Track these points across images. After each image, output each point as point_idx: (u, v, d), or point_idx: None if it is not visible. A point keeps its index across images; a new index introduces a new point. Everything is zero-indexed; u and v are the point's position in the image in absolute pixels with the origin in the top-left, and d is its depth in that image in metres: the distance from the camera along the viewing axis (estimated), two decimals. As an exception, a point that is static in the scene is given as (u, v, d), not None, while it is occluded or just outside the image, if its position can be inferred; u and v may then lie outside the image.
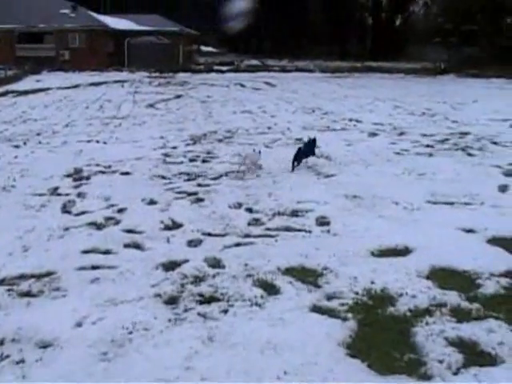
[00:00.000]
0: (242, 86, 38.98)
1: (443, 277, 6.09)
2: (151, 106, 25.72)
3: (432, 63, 63.14)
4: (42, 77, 47.34)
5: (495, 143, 14.57)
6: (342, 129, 17.43)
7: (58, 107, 25.40)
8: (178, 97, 30.20)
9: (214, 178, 10.83)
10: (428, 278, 6.06)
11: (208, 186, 10.25)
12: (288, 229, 7.71)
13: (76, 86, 37.94)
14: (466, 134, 16.17)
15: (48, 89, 35.70)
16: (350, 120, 19.48)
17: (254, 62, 69.65)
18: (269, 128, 17.62)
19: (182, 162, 12.50)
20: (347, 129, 17.28)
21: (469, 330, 4.97)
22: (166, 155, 13.33)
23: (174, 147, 14.46)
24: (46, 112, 23.57)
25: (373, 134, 16.13)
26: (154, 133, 17.02)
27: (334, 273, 6.15)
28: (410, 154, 13.23)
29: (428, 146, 14.23)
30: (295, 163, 11.55)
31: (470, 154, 13.09)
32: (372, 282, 5.89)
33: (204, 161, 12.64)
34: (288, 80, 44.70)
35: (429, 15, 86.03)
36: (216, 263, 6.50)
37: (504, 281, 5.96)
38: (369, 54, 77.15)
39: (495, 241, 7.21)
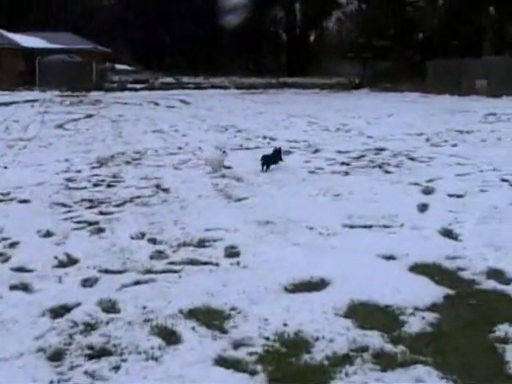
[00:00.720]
0: (156, 104, 38.28)
1: (364, 314, 5.48)
2: (60, 126, 24.75)
3: (346, 78, 63.70)
4: None
5: (412, 159, 14.20)
6: (255, 147, 16.86)
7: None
8: (89, 116, 29.32)
9: (118, 205, 10.04)
10: (347, 316, 5.42)
11: (111, 213, 9.46)
12: (194, 262, 6.99)
13: (-18, 107, 36.57)
14: (382, 149, 15.79)
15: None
16: (264, 137, 18.95)
17: (169, 79, 68.94)
18: (179, 148, 16.91)
19: (85, 188, 11.67)
20: (261, 147, 16.71)
21: (394, 381, 4.35)
22: (69, 180, 12.47)
23: (79, 171, 13.61)
24: None
25: (287, 152, 15.56)
26: (60, 155, 16.13)
27: (243, 314, 5.46)
28: (326, 172, 12.72)
29: (343, 163, 13.76)
30: (264, 167, 12.80)
31: (387, 172, 12.64)
32: (285, 324, 5.23)
33: (109, 185, 11.84)
34: (203, 97, 44.25)
35: (342, 31, 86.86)
36: (111, 306, 5.74)
37: (430, 316, 5.39)
38: (284, 70, 77.35)
39: (418, 268, 6.66)
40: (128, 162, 14.62)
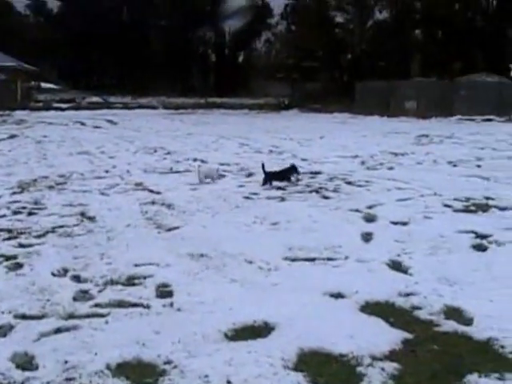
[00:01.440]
0: (82, 124, 37.28)
1: (316, 365, 4.88)
2: (-20, 148, 23.61)
3: (275, 99, 63.58)
4: None
5: (349, 183, 13.74)
6: (185, 170, 16.19)
7: None
8: (13, 137, 28.16)
9: (39, 236, 9.24)
10: (297, 368, 4.81)
11: (31, 246, 8.65)
12: (122, 304, 6.27)
13: None
14: (318, 173, 15.31)
15: None
16: (195, 160, 18.27)
17: (96, 99, 67.65)
18: (106, 171, 16.12)
19: (4, 216, 10.81)
20: (191, 170, 16.02)
21: None
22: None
23: (-1, 197, 12.74)
24: None
25: (220, 176, 14.95)
26: (-25, 180, 15.19)
27: (179, 369, 4.78)
28: (261, 198, 12.12)
29: (279, 188, 13.18)
30: (267, 182, 13.28)
31: (325, 197, 12.12)
32: (228, 382, 4.58)
33: (30, 213, 10.99)
34: (130, 117, 43.37)
35: (272, 51, 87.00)
36: (27, 362, 4.99)
37: (390, 367, 4.81)
38: (212, 90, 76.82)
39: (369, 308, 6.10)
40: (51, 187, 13.77)
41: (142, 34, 79.54)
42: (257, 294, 6.44)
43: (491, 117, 39.76)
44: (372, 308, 6.09)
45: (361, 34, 73.68)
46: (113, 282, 6.95)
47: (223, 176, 14.23)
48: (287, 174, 13.76)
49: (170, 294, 6.53)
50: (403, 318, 5.85)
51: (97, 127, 34.71)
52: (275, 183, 13.43)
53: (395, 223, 9.69)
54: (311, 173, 15.32)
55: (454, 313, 5.97)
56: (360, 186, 13.35)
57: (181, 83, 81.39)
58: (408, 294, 6.44)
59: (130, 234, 9.19)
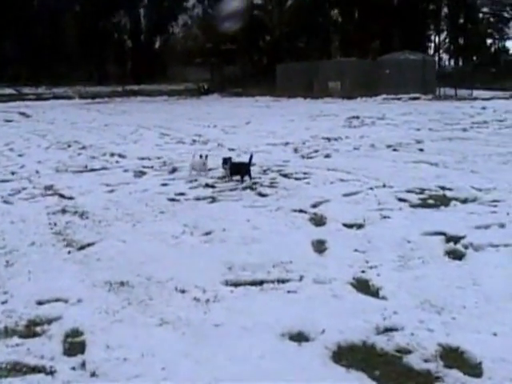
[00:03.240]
0: (-7, 117, 34.89)
1: None
2: None
3: (195, 84, 62.12)
4: None
5: (286, 176, 12.32)
6: (102, 168, 14.52)
7: None
8: None
9: None
10: None
11: None
12: (17, 368, 4.71)
13: None
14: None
15: None
16: (112, 155, 16.61)
17: (9, 90, 64.79)
18: (12, 173, 14.30)
19: None
20: (108, 167, 14.42)
21: None
22: None
23: None
24: None
25: (139, 173, 13.39)
26: None
27: None
28: (188, 198, 10.58)
29: (207, 185, 11.68)
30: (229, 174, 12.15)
31: (261, 194, 10.65)
32: None
33: None
34: (44, 109, 41.00)
35: (189, 36, 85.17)
36: None
37: None
38: (129, 78, 74.70)
39: (344, 355, 4.70)
40: None
41: (54, 20, 76.45)
42: (196, 343, 4.93)
43: (417, 95, 38.98)
44: (348, 355, 4.68)
45: (279, 16, 72.46)
46: (7, 333, 5.34)
47: (70, 198, 11.12)
48: (247, 167, 12.10)
49: (81, 348, 4.97)
50: (392, 369, 4.47)
51: (8, 121, 32.43)
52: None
53: (349, 226, 8.30)
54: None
55: (453, 356, 4.61)
56: (298, 178, 11.94)
57: (96, 71, 78.98)
58: (388, 330, 5.06)
59: (34, 256, 7.56)
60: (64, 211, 9.96)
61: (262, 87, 50.75)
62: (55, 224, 9.12)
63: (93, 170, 14.38)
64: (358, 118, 24.99)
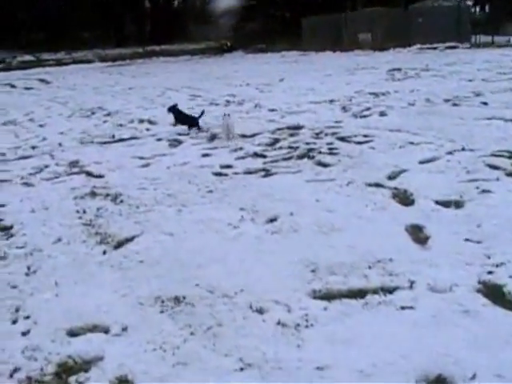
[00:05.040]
0: (12, 86, 33.38)
1: None
2: None
3: (216, 42, 60.33)
4: None
5: (343, 139, 10.72)
6: (131, 137, 12.99)
7: None
8: None
9: None
10: None
11: None
12: None
13: None
14: (298, 127, 12.23)
15: None
16: (141, 121, 15.06)
17: (28, 57, 63.31)
18: (33, 148, 12.84)
19: None
20: (139, 136, 12.90)
21: None
22: None
23: None
24: None
25: (175, 142, 11.86)
26: None
27: None
28: (237, 172, 9.03)
29: (256, 154, 10.13)
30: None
31: (322, 164, 9.06)
32: None
33: None
34: (65, 74, 39.38)
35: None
36: None
37: None
38: (149, 39, 72.86)
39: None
40: (-43, 178, 10.54)
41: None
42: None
43: (453, 44, 36.93)
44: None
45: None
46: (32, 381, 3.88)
47: (100, 177, 9.70)
48: (196, 120, 12.81)
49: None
50: None
51: (28, 88, 30.96)
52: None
53: (444, 204, 6.74)
54: (289, 128, 12.25)
55: None
56: (359, 142, 10.34)
57: (115, 33, 77.24)
58: None
59: (61, 258, 6.10)
60: (93, 194, 8.48)
61: (287, 42, 48.83)
62: (84, 211, 7.64)
63: (121, 139, 12.88)
64: (399, 70, 23.17)
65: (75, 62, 53.78)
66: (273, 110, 14.94)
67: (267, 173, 8.82)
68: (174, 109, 13.09)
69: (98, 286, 5.30)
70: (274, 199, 7.32)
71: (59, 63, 53.58)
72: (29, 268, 5.92)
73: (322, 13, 51.72)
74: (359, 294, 4.72)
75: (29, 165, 11.03)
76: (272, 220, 6.58)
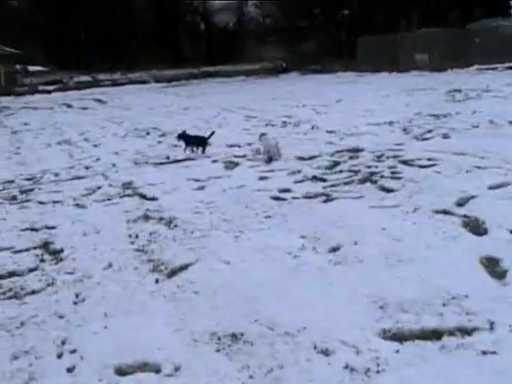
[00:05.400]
0: (69, 106, 33.71)
1: None
2: (-50, 142, 20.14)
3: (271, 62, 60.19)
4: None
5: (406, 163, 10.26)
6: (186, 158, 12.73)
7: None
8: (-11, 127, 24.68)
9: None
10: None
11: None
12: None
13: None
14: (357, 150, 11.81)
15: None
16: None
17: (85, 77, 63.98)
18: (87, 168, 12.67)
19: None
20: (194, 158, 12.62)
21: None
22: None
23: None
24: None
25: (231, 164, 11.54)
26: None
27: None
28: (297, 196, 8.64)
29: (315, 178, 9.73)
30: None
31: (386, 189, 8.62)
32: None
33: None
34: (120, 94, 39.66)
35: (263, 14, 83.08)
36: None
37: None
38: (204, 59, 73.14)
39: None
40: (13, 198, 10.42)
41: (127, 4, 75.40)
42: None
43: (514, 63, 36.14)
44: None
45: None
46: None
47: (153, 199, 9.37)
48: (204, 141, 13.07)
49: None
50: None
51: (84, 108, 31.16)
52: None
53: (527, 235, 6.23)
54: (348, 150, 11.84)
55: None
56: (423, 166, 9.87)
57: (171, 54, 77.73)
58: None
59: (111, 287, 5.79)
60: (146, 217, 8.19)
61: (342, 63, 48.56)
62: (137, 236, 7.34)
63: (176, 161, 12.62)
64: (459, 91, 22.58)
65: (131, 82, 54.21)
66: (331, 132, 14.55)
67: (328, 198, 8.42)
68: (183, 135, 13.29)
69: (149, 319, 4.96)
70: (336, 226, 6.92)
71: (115, 83, 54.07)
72: (77, 296, 5.63)
73: (376, 33, 51.26)
74: (434, 335, 4.29)
75: (82, 185, 10.83)
76: (335, 249, 6.18)
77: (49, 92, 50.16)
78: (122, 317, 5.06)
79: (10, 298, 5.82)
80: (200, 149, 12.94)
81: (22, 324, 5.15)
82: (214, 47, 79.53)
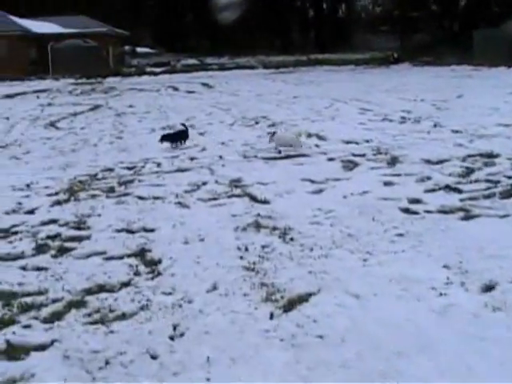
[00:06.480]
0: (175, 89, 33.09)
1: None
2: (52, 124, 19.71)
3: (381, 52, 58.46)
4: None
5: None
6: (299, 154, 11.64)
7: None
8: (95, 108, 24.26)
9: (48, 320, 4.98)
10: None
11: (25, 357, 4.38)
12: None
13: (-15, 101, 31.89)
14: (492, 156, 10.46)
15: None
16: (309, 135, 13.66)
17: (192, 61, 63.86)
18: (192, 159, 11.77)
19: (20, 257, 6.62)
20: (308, 153, 11.54)
21: None
22: (7, 233, 7.57)
23: (31, 211, 8.65)
24: None
25: (350, 164, 10.41)
26: (25, 175, 11.24)
27: None
28: (430, 211, 7.43)
29: (448, 187, 8.49)
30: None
31: (535, 207, 7.34)
32: None
33: (58, 252, 6.75)
34: (228, 79, 38.78)
35: (375, 2, 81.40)
36: None
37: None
38: (313, 46, 71.99)
39: None
40: (110, 191, 9.58)
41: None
42: None
43: None
44: None
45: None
46: None
47: (266, 202, 8.35)
48: (181, 137, 13.62)
49: None
50: None
51: (190, 92, 30.44)
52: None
53: None
54: (481, 155, 10.52)
55: None
56: None
57: (279, 40, 76.89)
58: None
59: (214, 317, 4.80)
60: (258, 225, 7.17)
61: (456, 55, 46.50)
62: (246, 249, 6.32)
63: (288, 156, 11.55)
64: None
65: (238, 67, 53.47)
66: (457, 132, 13.22)
67: (467, 214, 7.20)
68: (165, 137, 13.59)
69: (262, 373, 3.93)
70: (485, 255, 5.72)
71: (222, 68, 53.48)
72: (175, 328, 4.66)
73: (493, 25, 49.03)
74: None
75: (185, 179, 9.96)
76: (489, 288, 5.01)
77: (156, 74, 50.03)
78: (228, 365, 4.07)
79: (95, 322, 4.91)
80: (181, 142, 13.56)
81: (107, 363, 4.21)
82: (323, 34, 78.32)
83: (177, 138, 13.65)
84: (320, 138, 13.36)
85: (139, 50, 75.53)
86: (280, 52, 66.08)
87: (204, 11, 74.52)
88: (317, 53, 63.62)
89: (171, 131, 14.61)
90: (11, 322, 5.08)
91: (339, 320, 4.58)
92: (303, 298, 5.02)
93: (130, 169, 11.31)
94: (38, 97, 32.21)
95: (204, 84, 35.42)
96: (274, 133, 12.36)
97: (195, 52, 69.03)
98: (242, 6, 73.74)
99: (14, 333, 4.84)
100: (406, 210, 7.41)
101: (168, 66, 58.40)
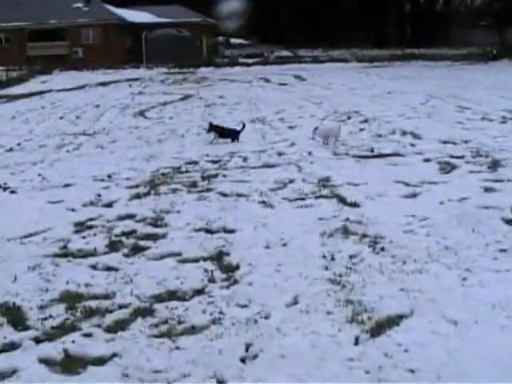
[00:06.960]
0: (267, 81, 32.74)
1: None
2: (141, 113, 19.60)
3: (479, 48, 56.63)
4: (50, 77, 41.78)
5: None
6: (393, 153, 11.00)
7: (27, 118, 19.34)
8: (186, 98, 24.11)
9: (111, 329, 4.56)
10: None
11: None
12: None
13: (81, 87, 32.61)
14: None
15: (48, 91, 30.21)
16: (403, 133, 13.02)
17: (285, 52, 63.46)
18: (280, 154, 11.26)
19: (91, 254, 6.27)
20: (402, 153, 10.89)
21: None
22: (78, 231, 7.18)
23: (109, 204, 8.35)
24: (9, 125, 18.19)
25: (447, 166, 9.71)
26: (109, 165, 11.02)
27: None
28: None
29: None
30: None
31: None
32: None
33: (132, 251, 6.37)
34: (320, 72, 38.14)
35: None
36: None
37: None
38: (408, 41, 70.54)
39: None
40: (193, 185, 9.18)
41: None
42: None
43: None
44: None
45: None
46: None
47: (354, 205, 7.74)
48: (230, 135, 13.06)
49: None
50: None
51: (282, 84, 29.99)
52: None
53: None
54: None
55: None
56: None
57: (374, 34, 75.74)
58: None
59: (292, 338, 4.25)
60: (346, 231, 6.60)
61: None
62: (333, 258, 5.79)
63: (381, 155, 10.93)
64: None
65: (332, 60, 52.74)
66: None
67: None
68: (214, 127, 13.27)
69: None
70: None
71: (315, 60, 52.88)
72: (247, 348, 4.15)
73: None
74: None
75: (271, 176, 9.48)
76: None
77: (248, 65, 49.83)
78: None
79: (162, 335, 4.46)
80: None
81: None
82: (420, 29, 76.79)
83: (225, 135, 13.11)
84: (415, 136, 12.69)
85: (233, 40, 75.59)
86: (374, 46, 65.07)
87: (300, 3, 74.00)
88: (412, 47, 62.26)
89: (224, 125, 13.93)
90: (72, 328, 4.69)
91: (434, 351, 3.99)
92: (393, 321, 4.45)
93: (214, 162, 10.92)
94: (130, 85, 32.54)
95: (296, 76, 34.92)
96: (316, 128, 12.30)
97: (289, 44, 68.54)
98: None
99: (73, 342, 4.44)
100: (510, 222, 6.70)
101: (261, 58, 58.17)
